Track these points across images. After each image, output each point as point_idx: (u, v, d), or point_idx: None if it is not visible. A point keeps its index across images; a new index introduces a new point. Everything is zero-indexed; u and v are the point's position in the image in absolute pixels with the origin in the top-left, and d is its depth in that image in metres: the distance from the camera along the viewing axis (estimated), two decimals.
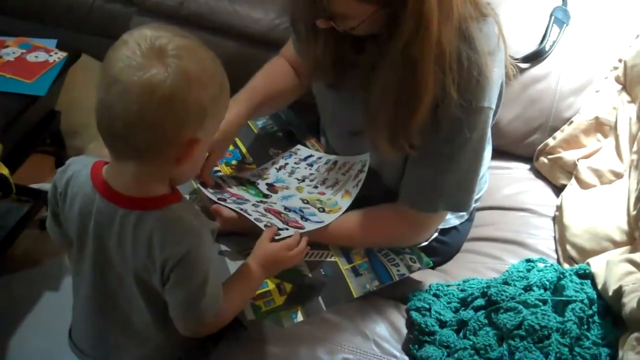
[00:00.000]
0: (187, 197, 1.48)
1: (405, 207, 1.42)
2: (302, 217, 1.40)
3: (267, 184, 1.53)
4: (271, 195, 1.49)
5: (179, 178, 1.11)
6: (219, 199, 1.42)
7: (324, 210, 1.44)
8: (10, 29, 2.03)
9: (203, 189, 1.44)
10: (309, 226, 1.37)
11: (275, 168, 1.60)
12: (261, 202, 1.45)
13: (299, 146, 1.66)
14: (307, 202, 1.47)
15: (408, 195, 1.42)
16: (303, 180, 1.54)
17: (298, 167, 1.58)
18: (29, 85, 1.78)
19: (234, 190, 1.48)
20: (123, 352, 1.25)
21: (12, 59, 1.86)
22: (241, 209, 1.37)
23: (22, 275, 1.99)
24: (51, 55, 1.88)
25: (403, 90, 1.24)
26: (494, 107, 1.34)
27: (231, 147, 1.63)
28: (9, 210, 1.96)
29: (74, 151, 2.19)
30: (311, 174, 1.56)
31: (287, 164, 1.60)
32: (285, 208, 1.43)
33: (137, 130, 0.99)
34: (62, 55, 1.88)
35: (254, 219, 1.34)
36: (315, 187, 1.52)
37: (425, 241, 1.54)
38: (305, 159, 1.61)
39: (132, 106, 0.97)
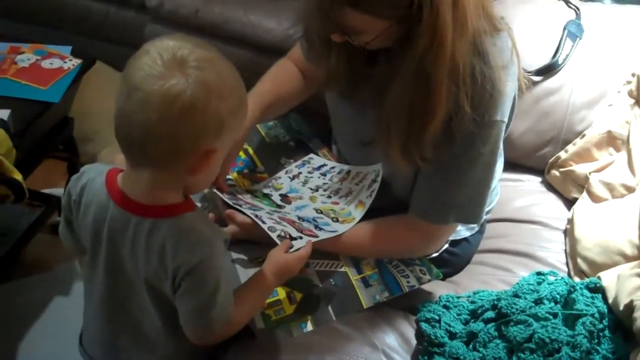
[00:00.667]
0: (199, 204, 1.48)
1: (416, 219, 1.42)
2: (316, 227, 1.40)
3: (280, 195, 1.54)
4: (285, 206, 1.50)
5: (193, 187, 1.12)
6: (234, 203, 1.42)
7: (337, 220, 1.44)
8: (26, 36, 2.04)
9: (219, 193, 1.45)
10: (323, 235, 1.37)
11: (289, 177, 1.60)
12: (275, 211, 1.46)
13: (311, 155, 1.66)
14: (321, 212, 1.47)
15: (419, 206, 1.42)
16: (316, 190, 1.54)
17: (311, 177, 1.58)
18: (43, 91, 1.79)
19: (248, 199, 1.49)
20: (133, 359, 1.26)
21: (27, 65, 1.87)
22: (256, 216, 1.38)
23: (34, 280, 2.00)
24: (66, 62, 1.89)
25: (416, 104, 1.25)
26: (506, 120, 1.34)
27: (243, 156, 1.64)
28: (21, 215, 1.97)
29: (86, 157, 2.20)
30: (324, 184, 1.56)
31: (300, 173, 1.61)
32: (299, 218, 1.43)
33: (156, 138, 1.00)
34: (76, 62, 1.89)
35: (268, 228, 1.34)
36: (329, 197, 1.52)
37: (436, 252, 1.54)
38: (319, 168, 1.61)
39: (152, 115, 0.98)
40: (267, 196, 1.53)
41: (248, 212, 1.39)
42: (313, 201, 1.51)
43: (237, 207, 1.41)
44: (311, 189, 1.55)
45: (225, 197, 1.44)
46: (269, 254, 1.28)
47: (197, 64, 1.00)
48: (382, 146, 1.35)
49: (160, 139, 1.00)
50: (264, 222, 1.36)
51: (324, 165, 1.62)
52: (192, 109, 0.98)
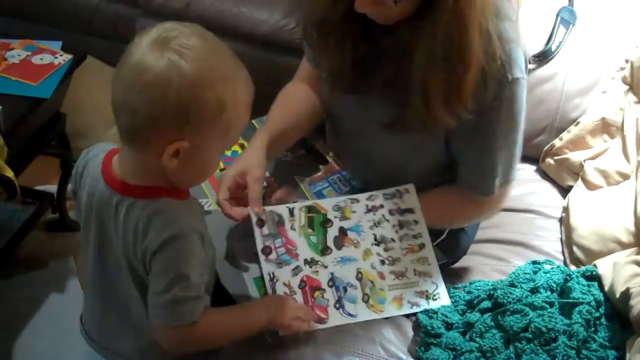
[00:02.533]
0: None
1: (469, 193, 1.43)
2: (337, 301, 1.34)
3: (340, 230, 1.43)
4: (330, 252, 1.40)
5: (175, 179, 1.10)
6: (263, 248, 1.36)
7: (367, 301, 1.36)
8: (16, 31, 2.03)
9: (257, 230, 1.36)
10: (334, 320, 1.32)
11: (366, 206, 1.46)
12: (312, 261, 1.38)
13: (408, 187, 1.46)
14: (360, 278, 1.38)
15: (467, 183, 1.43)
16: (378, 245, 1.42)
17: (387, 221, 1.45)
18: (34, 87, 1.78)
19: (292, 234, 1.40)
20: (123, 342, 1.25)
21: (18, 61, 1.86)
22: (271, 278, 1.33)
23: (28, 278, 2.00)
24: (56, 58, 1.88)
25: (450, 57, 1.24)
26: (526, 75, 1.35)
27: (240, 151, 1.62)
28: (14, 213, 1.96)
29: (79, 153, 2.18)
30: (391, 240, 1.43)
31: (382, 206, 1.45)
32: (330, 280, 1.36)
33: (122, 109, 1.03)
34: (67, 57, 1.88)
35: None
36: (382, 262, 1.41)
37: (433, 242, 1.53)
38: (403, 213, 1.45)
39: (122, 86, 1.02)
40: (324, 225, 1.42)
41: (266, 268, 1.34)
42: (364, 258, 1.41)
43: (264, 255, 1.35)
44: (375, 236, 1.43)
45: (258, 238, 1.36)
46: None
47: (179, 48, 1.00)
48: (420, 113, 1.31)
49: (124, 110, 1.02)
50: (274, 291, 1.32)
51: (411, 211, 1.45)
52: (152, 88, 0.99)
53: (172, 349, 1.18)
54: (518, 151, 1.41)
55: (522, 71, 1.32)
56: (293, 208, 1.42)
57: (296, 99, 1.58)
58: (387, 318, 1.37)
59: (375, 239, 1.43)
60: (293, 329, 1.27)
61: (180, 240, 1.08)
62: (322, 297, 1.35)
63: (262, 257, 1.35)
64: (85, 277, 1.28)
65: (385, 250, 1.42)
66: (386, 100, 1.37)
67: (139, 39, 1.03)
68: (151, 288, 1.11)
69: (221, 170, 1.52)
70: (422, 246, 1.43)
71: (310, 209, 1.43)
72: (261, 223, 1.37)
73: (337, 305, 1.34)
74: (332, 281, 1.37)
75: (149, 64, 0.99)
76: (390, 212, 1.45)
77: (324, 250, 1.40)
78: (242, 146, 1.64)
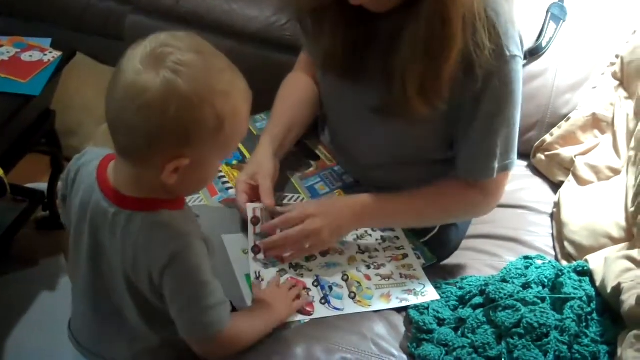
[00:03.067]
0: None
1: (466, 179, 1.43)
2: (323, 298, 1.35)
3: None
4: (315, 258, 1.42)
5: (177, 190, 1.09)
6: (253, 247, 1.38)
7: (354, 297, 1.37)
8: (5, 28, 2.03)
9: (250, 227, 1.39)
10: (320, 313, 1.33)
11: None
12: (296, 265, 1.39)
13: None
14: (346, 279, 1.39)
15: (463, 168, 1.42)
16: (362, 253, 1.45)
17: (369, 235, 1.49)
18: (23, 85, 1.77)
19: None
20: (116, 349, 1.24)
21: (7, 58, 1.85)
22: (257, 276, 1.35)
23: (19, 276, 1.99)
24: (46, 55, 1.87)
25: (432, 44, 1.24)
26: (523, 55, 1.35)
27: None
28: (4, 211, 1.96)
29: (70, 151, 2.17)
30: (375, 250, 1.47)
31: None
32: (316, 280, 1.38)
33: (119, 127, 1.01)
34: (56, 54, 1.87)
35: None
36: (368, 266, 1.43)
37: (424, 237, 1.53)
38: (384, 230, 1.51)
39: (118, 103, 0.99)
40: None
41: (253, 267, 1.35)
42: (349, 263, 1.43)
43: (251, 252, 1.37)
44: (359, 247, 1.46)
45: (251, 232, 1.38)
46: None
47: (174, 66, 0.97)
48: (399, 98, 1.32)
49: (121, 128, 1.01)
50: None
51: (392, 230, 1.52)
52: (150, 108, 0.97)
53: (209, 357, 1.19)
54: (515, 133, 1.40)
55: (519, 49, 1.32)
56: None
57: (296, 90, 1.61)
58: (378, 313, 1.37)
59: (360, 249, 1.46)
60: (298, 309, 1.31)
61: (187, 252, 1.07)
62: (307, 294, 1.35)
63: (250, 255, 1.37)
64: (75, 284, 1.26)
65: (370, 257, 1.45)
66: (376, 87, 1.37)
67: (131, 52, 1.00)
68: (173, 305, 1.10)
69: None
70: (405, 256, 1.47)
71: None
72: (256, 220, 1.39)
73: (323, 301, 1.35)
74: (317, 282, 1.38)
75: (145, 84, 0.96)
76: (372, 229, 1.49)
77: (309, 257, 1.42)
78: None
